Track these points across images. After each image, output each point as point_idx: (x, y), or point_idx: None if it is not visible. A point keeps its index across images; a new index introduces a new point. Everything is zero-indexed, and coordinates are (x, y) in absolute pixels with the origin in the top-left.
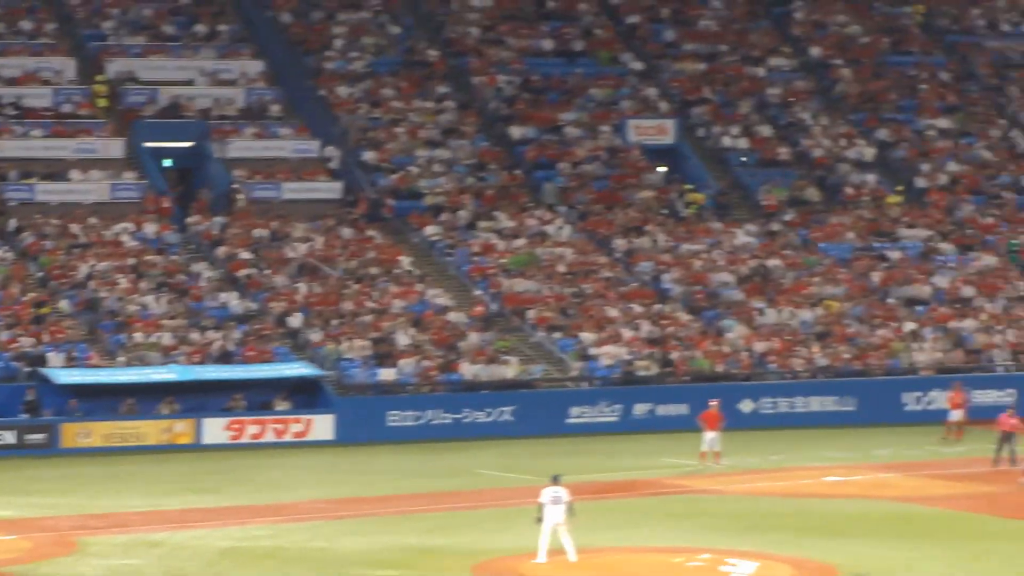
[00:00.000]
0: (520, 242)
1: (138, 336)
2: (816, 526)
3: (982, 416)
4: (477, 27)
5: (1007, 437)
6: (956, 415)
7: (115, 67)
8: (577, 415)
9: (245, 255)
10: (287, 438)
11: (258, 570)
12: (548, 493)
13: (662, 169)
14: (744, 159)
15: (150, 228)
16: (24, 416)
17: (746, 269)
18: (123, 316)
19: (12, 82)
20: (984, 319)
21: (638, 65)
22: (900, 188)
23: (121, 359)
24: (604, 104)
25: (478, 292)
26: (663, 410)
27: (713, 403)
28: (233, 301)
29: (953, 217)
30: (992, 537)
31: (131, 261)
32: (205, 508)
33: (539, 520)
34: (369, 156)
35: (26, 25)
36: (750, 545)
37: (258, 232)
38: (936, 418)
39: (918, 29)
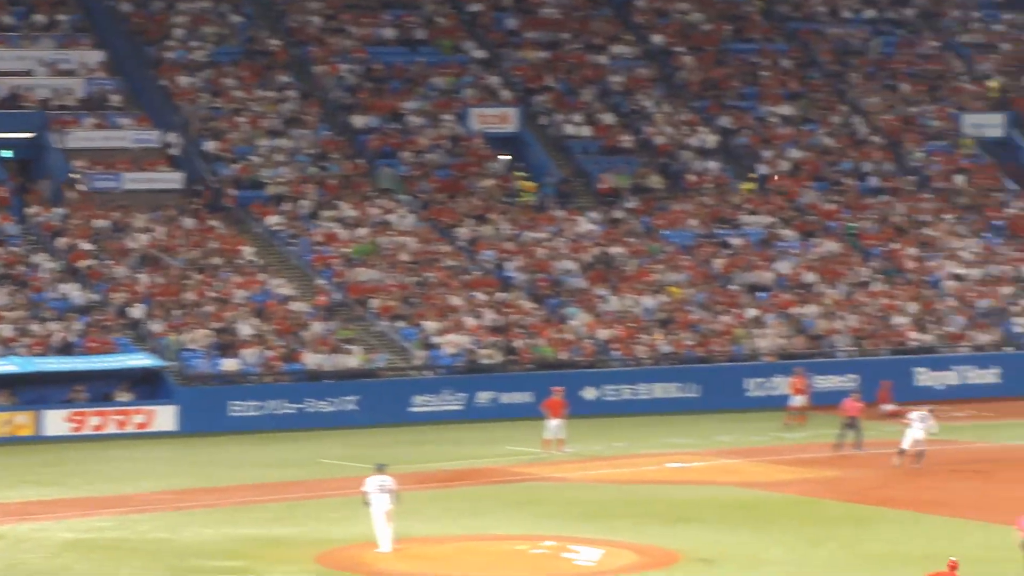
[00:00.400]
0: (363, 231)
1: None
2: (659, 513)
3: (824, 402)
4: (318, 16)
5: (851, 422)
6: (798, 400)
7: None
8: (421, 404)
9: (86, 246)
10: (129, 429)
11: (101, 561)
12: (374, 482)
13: (505, 157)
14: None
15: None
16: None
17: (589, 257)
18: None
19: None
20: (826, 305)
21: (480, 53)
22: (753, 176)
23: None
24: (446, 93)
25: (321, 281)
26: (507, 398)
27: (556, 391)
28: (74, 292)
29: (795, 203)
30: (833, 522)
31: None
32: (47, 500)
33: (366, 504)
34: (211, 146)
35: None
36: (594, 532)
37: (99, 223)
38: (778, 404)
39: (759, 16)
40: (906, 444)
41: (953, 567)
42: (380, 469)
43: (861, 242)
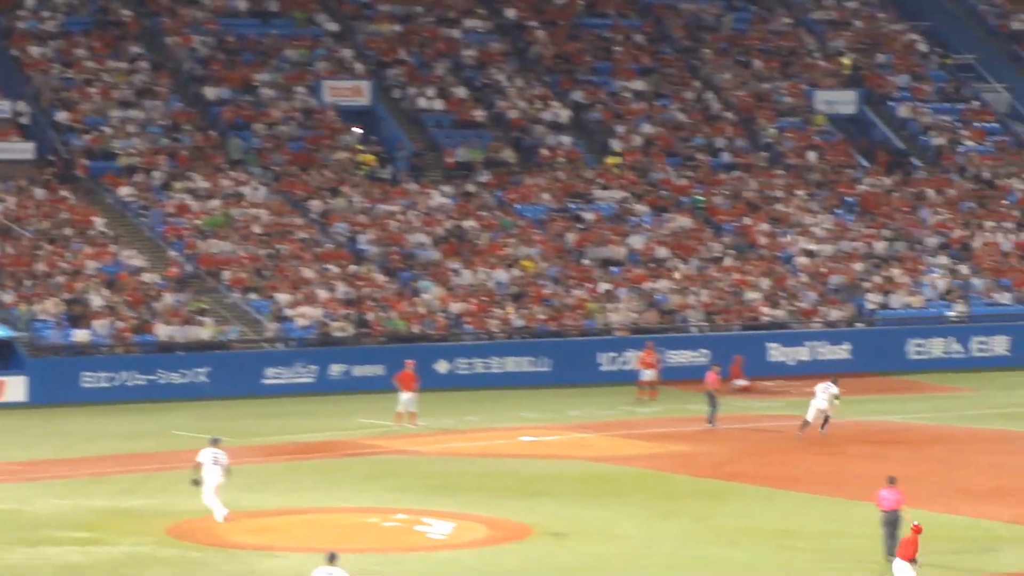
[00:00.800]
0: (215, 203)
1: None
2: (512, 486)
3: (676, 376)
4: None
5: (711, 395)
6: (648, 375)
7: None
8: (273, 376)
9: None
10: None
11: None
12: (208, 454)
13: (357, 130)
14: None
15: None
16: None
17: (442, 230)
18: None
19: None
20: (678, 280)
21: (333, 26)
22: (618, 151)
23: None
24: (299, 65)
25: (173, 253)
26: (359, 371)
27: (408, 364)
28: None
29: (648, 179)
30: (684, 496)
31: None
32: None
33: (195, 482)
34: (62, 116)
35: None
36: (446, 506)
37: None
38: (631, 378)
39: None
40: (810, 416)
41: (917, 531)
42: (215, 443)
43: (709, 216)
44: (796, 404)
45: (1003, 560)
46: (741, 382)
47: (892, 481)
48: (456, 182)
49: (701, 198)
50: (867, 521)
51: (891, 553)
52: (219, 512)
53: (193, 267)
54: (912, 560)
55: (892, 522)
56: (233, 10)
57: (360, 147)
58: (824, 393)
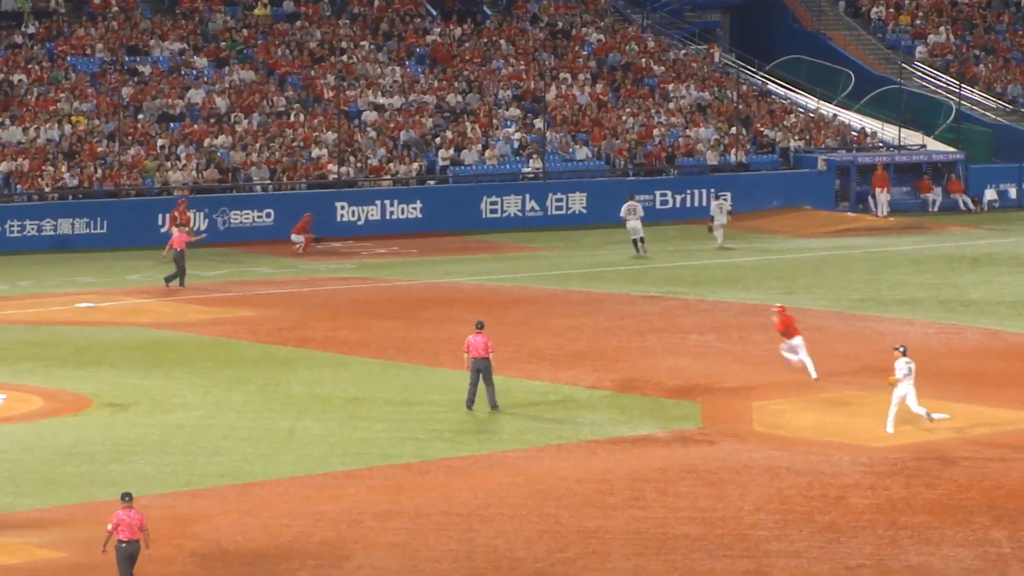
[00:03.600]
0: None
1: None
2: (69, 355)
3: (240, 238)
4: None
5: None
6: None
7: None
8: None
9: None
10: None
11: None
12: None
13: None
14: None
15: None
16: None
17: None
18: None
19: None
20: (240, 136)
21: None
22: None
23: None
24: None
25: None
26: None
27: None
28: None
29: (206, 30)
30: (250, 363)
31: None
32: None
33: None
34: None
35: None
36: None
37: None
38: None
39: None
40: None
41: (782, 310)
42: None
43: (245, 54)
44: (367, 265)
45: (583, 428)
46: (302, 237)
47: (480, 327)
48: (3, 33)
49: (239, 42)
50: (441, 387)
51: (472, 402)
52: None
53: None
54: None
55: (480, 369)
56: None
57: None
58: (719, 210)
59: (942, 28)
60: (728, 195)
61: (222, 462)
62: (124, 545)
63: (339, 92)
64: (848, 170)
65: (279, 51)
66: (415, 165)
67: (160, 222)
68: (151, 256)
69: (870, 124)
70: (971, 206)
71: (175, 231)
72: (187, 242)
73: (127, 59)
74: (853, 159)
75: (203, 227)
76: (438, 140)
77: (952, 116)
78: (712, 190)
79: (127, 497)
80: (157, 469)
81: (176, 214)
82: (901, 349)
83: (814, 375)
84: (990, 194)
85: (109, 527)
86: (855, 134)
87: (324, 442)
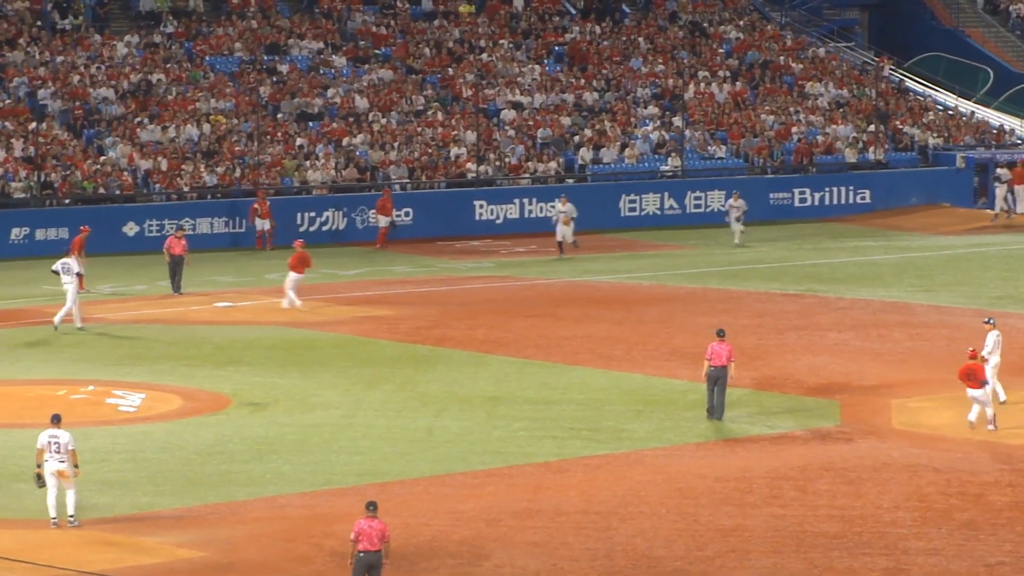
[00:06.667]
0: None
1: None
2: (207, 354)
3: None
4: None
5: (175, 261)
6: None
7: None
8: None
9: None
10: None
11: None
12: None
13: None
14: None
15: None
16: None
17: (128, 84)
18: None
19: None
20: (378, 134)
21: None
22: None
23: None
24: None
25: None
26: (41, 234)
27: (83, 229)
28: None
29: (344, 28)
30: (388, 362)
31: None
32: None
33: None
34: None
35: None
36: (138, 376)
37: None
38: (333, 239)
39: None
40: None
41: (974, 356)
42: None
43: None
44: (505, 264)
45: (722, 426)
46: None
47: (721, 335)
48: (142, 32)
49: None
50: (580, 386)
51: (714, 409)
52: None
53: None
54: (982, 383)
55: (718, 378)
56: None
57: None
58: (736, 210)
59: None
60: (737, 192)
61: (361, 461)
62: (363, 556)
63: (478, 91)
64: (987, 167)
65: (418, 50)
66: (553, 163)
67: (299, 221)
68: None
69: (1008, 121)
70: None
71: (170, 238)
72: (184, 248)
73: (266, 58)
74: (992, 156)
75: (342, 226)
76: (576, 138)
77: None
78: (734, 191)
79: (371, 507)
80: (296, 468)
81: (256, 206)
82: (991, 322)
83: (1003, 397)
84: None
85: (351, 536)
86: (994, 131)
87: (463, 441)
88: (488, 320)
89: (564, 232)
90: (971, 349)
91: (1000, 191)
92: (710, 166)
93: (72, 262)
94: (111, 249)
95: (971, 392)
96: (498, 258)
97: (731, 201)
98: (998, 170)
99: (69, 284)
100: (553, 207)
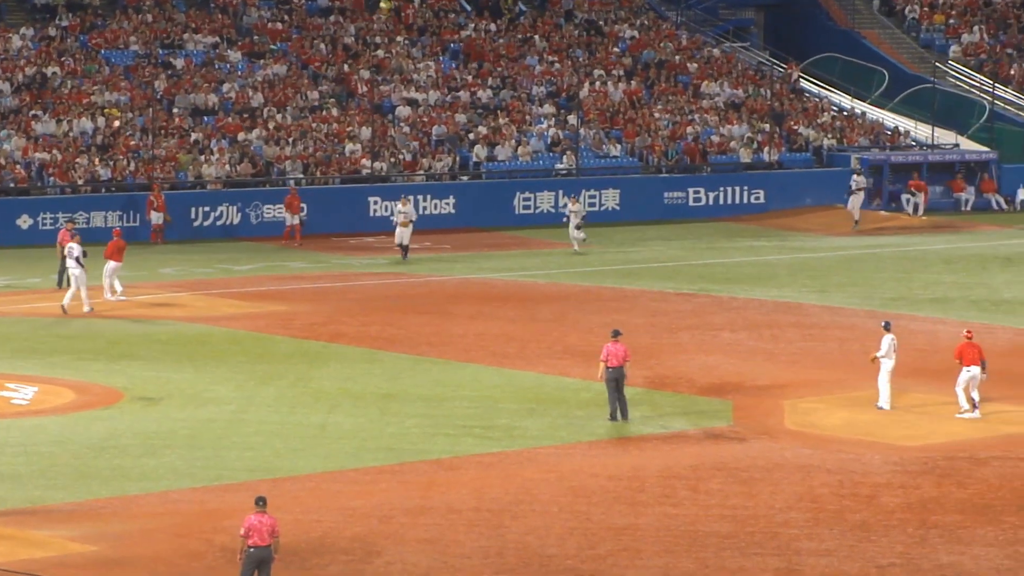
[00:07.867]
0: None
1: None
2: (101, 348)
3: (271, 232)
4: None
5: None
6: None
7: None
8: None
9: None
10: None
11: None
12: None
13: None
14: None
15: None
16: None
17: (23, 76)
18: None
19: None
20: (273, 130)
21: None
22: None
23: None
24: None
25: None
26: None
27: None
28: None
29: (240, 23)
30: (283, 358)
31: None
32: None
33: None
34: None
35: None
36: (30, 369)
37: None
38: (225, 234)
39: None
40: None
41: (970, 336)
42: None
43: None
44: (399, 261)
45: (613, 425)
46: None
47: (616, 335)
48: (37, 25)
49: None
50: (473, 383)
51: (616, 412)
52: None
53: None
54: (981, 363)
55: (617, 379)
56: None
57: None
58: (576, 216)
59: (976, 27)
60: (574, 196)
61: (253, 457)
62: (253, 551)
63: (373, 87)
64: (881, 169)
65: (314, 45)
66: (448, 161)
67: (193, 215)
68: (184, 249)
69: (903, 123)
70: (1004, 205)
71: (62, 231)
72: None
73: (161, 52)
74: (886, 158)
75: (236, 221)
76: (471, 136)
77: (985, 115)
78: (571, 195)
79: (261, 502)
80: (188, 463)
81: (152, 199)
82: (885, 325)
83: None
84: (1023, 193)
85: (242, 532)
86: (888, 133)
87: (355, 437)
88: (382, 317)
89: (402, 234)
90: (967, 331)
91: (855, 199)
92: (604, 165)
93: (75, 246)
94: (5, 242)
95: (970, 371)
96: (392, 255)
97: (570, 205)
98: (854, 177)
99: (75, 269)
100: (395, 207)
